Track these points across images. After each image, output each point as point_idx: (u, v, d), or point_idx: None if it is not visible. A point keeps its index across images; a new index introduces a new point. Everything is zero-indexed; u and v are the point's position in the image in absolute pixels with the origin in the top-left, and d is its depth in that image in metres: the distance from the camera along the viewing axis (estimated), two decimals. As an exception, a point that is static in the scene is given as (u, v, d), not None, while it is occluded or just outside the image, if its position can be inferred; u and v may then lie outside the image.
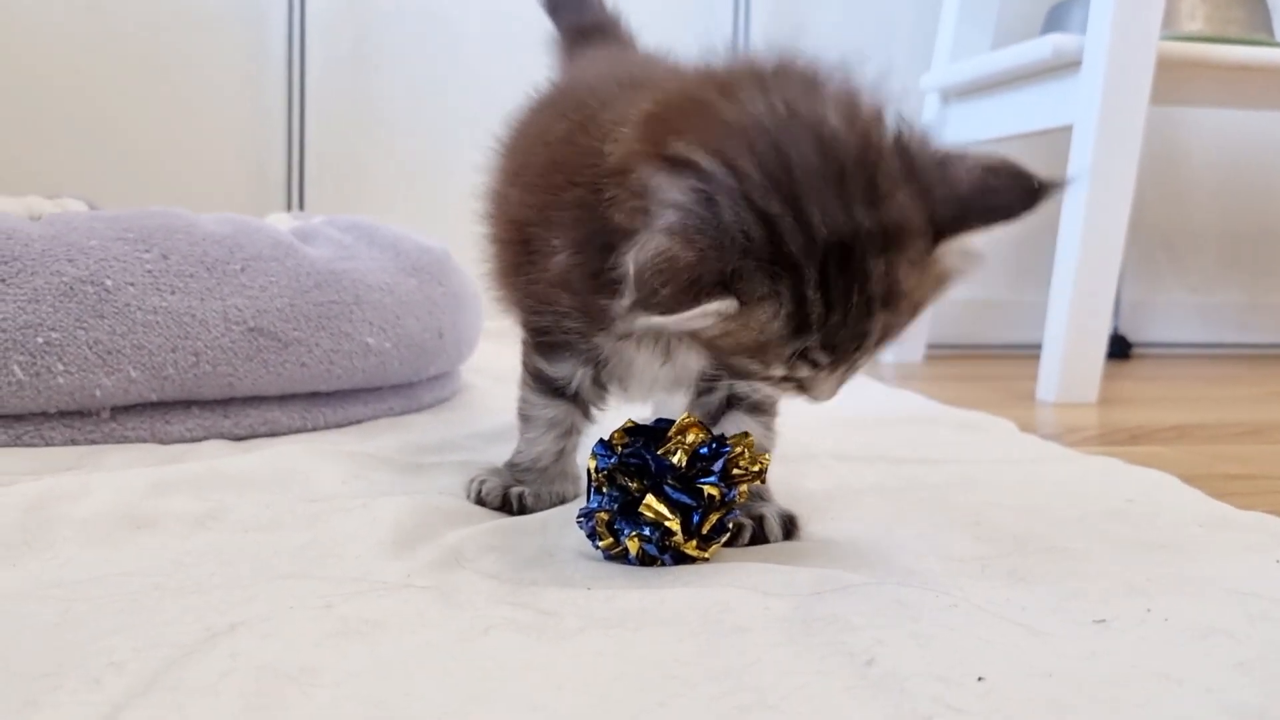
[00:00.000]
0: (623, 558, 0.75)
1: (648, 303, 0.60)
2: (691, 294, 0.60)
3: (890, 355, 2.38)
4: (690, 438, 0.76)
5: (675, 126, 0.66)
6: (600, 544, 0.75)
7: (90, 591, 0.66)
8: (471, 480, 0.91)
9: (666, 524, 0.73)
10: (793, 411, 1.38)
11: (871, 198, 0.63)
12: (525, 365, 0.89)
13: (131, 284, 1.09)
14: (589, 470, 0.77)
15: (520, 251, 0.82)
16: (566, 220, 0.75)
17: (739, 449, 0.76)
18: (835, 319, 0.64)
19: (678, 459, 0.75)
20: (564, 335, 0.83)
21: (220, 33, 2.39)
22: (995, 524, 0.86)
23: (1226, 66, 1.94)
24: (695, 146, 0.64)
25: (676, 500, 0.74)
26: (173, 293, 1.11)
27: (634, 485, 0.75)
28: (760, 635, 0.61)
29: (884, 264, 0.63)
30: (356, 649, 0.58)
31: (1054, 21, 2.23)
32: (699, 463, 0.75)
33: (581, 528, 0.76)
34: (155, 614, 0.62)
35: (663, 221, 0.62)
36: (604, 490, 0.75)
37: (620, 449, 0.76)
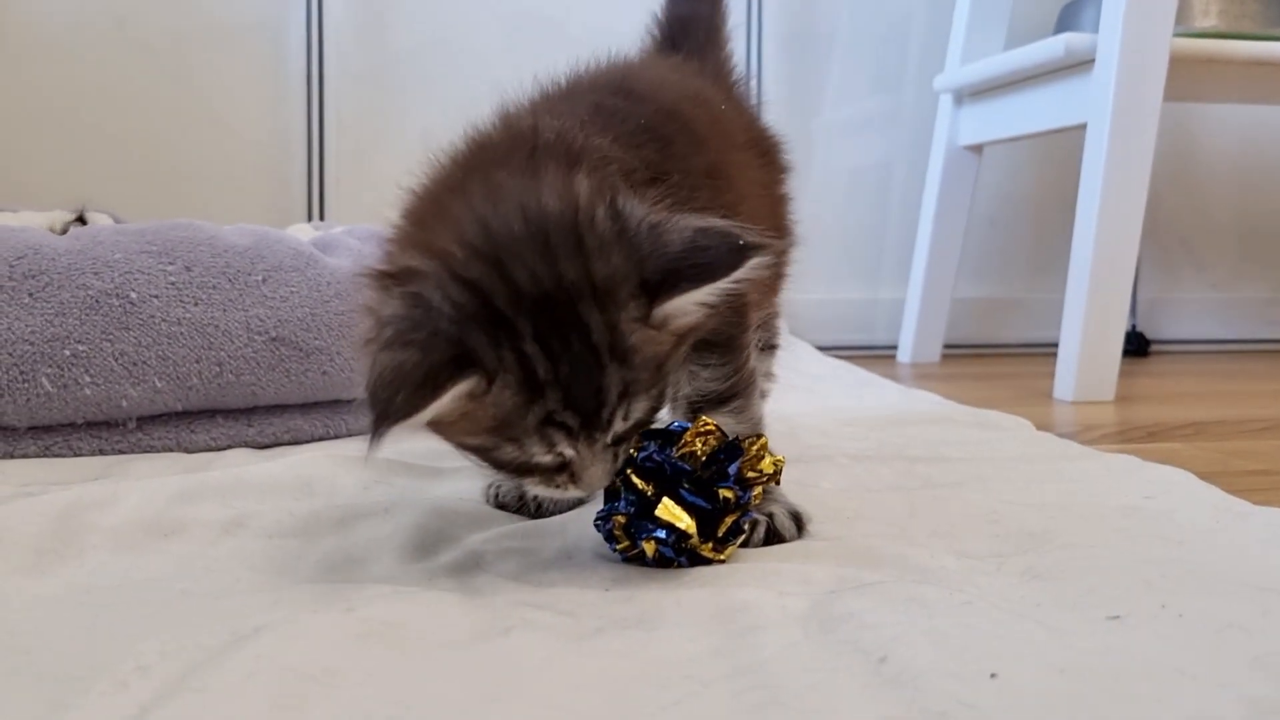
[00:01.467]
0: (640, 559, 0.76)
1: (388, 414, 0.61)
2: (430, 387, 0.61)
3: (907, 355, 2.38)
4: (705, 441, 0.77)
5: (401, 238, 0.70)
6: (617, 546, 0.76)
7: (118, 597, 0.67)
8: (489, 485, 0.92)
9: (682, 527, 0.74)
10: (809, 413, 1.39)
11: (578, 257, 0.64)
12: None
13: (156, 296, 1.11)
14: None
15: None
16: None
17: (754, 451, 0.77)
18: (564, 370, 0.64)
19: (694, 463, 0.76)
20: None
21: (241, 47, 2.42)
22: (1010, 522, 0.86)
23: (1242, 62, 1.94)
24: (410, 252, 0.66)
25: (692, 504, 0.74)
26: (196, 304, 1.13)
27: (649, 489, 0.75)
28: (776, 634, 0.62)
29: (600, 316, 0.65)
30: (378, 650, 0.59)
31: (1066, 21, 2.23)
32: (714, 465, 0.76)
33: (599, 530, 0.77)
34: (182, 618, 0.64)
35: (380, 341, 0.63)
36: (621, 494, 0.76)
37: (636, 452, 0.77)
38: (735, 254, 0.66)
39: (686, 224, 0.67)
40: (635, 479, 0.76)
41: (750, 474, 0.76)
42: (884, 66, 2.62)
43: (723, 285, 0.66)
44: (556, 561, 0.77)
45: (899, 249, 2.56)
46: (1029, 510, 0.90)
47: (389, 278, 0.66)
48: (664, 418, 0.81)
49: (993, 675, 0.55)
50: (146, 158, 2.39)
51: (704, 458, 0.76)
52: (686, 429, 0.78)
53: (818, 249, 2.58)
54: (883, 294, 2.60)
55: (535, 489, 0.72)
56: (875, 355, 2.46)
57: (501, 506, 0.89)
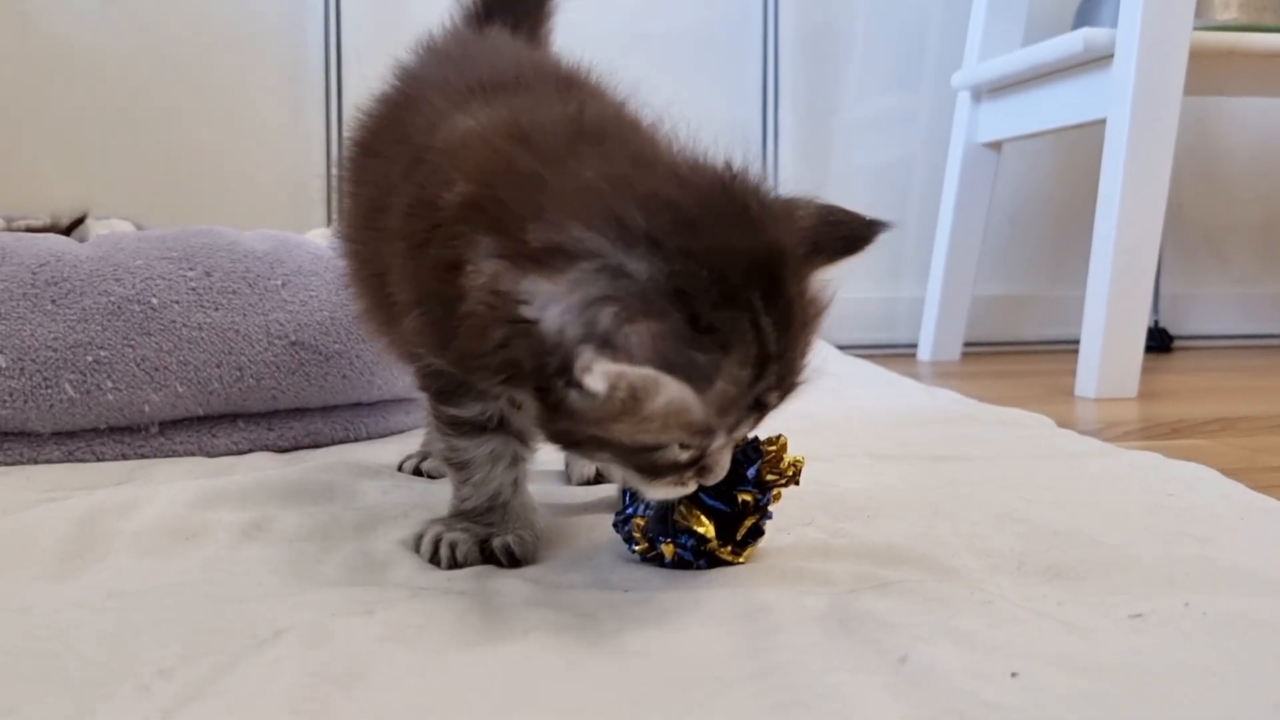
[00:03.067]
0: (659, 561, 0.75)
1: (695, 376, 0.56)
2: (706, 351, 0.57)
3: (927, 354, 2.37)
4: None
5: (514, 211, 0.62)
6: (636, 548, 0.76)
7: (141, 601, 0.68)
8: (426, 538, 0.78)
9: (701, 531, 0.74)
10: (829, 412, 1.39)
11: (763, 226, 0.61)
12: (435, 415, 0.79)
13: (176, 302, 1.12)
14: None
15: (379, 294, 0.76)
16: (407, 274, 0.70)
17: (773, 453, 0.77)
18: (784, 346, 0.61)
19: None
20: (454, 378, 0.75)
21: (260, 52, 2.43)
22: (1033, 520, 0.86)
23: (1263, 55, 1.92)
24: (561, 228, 0.59)
25: (711, 507, 0.74)
26: (216, 309, 1.13)
27: None
28: (796, 634, 0.62)
29: (798, 286, 0.62)
30: (399, 653, 0.59)
31: (1085, 16, 2.22)
32: (734, 468, 0.75)
33: (618, 531, 0.77)
34: (204, 622, 0.64)
35: (604, 318, 0.57)
36: (639, 496, 0.76)
37: None
38: (866, 227, 0.66)
39: (809, 200, 0.66)
40: None
41: (770, 476, 0.76)
42: (901, 64, 2.61)
43: (856, 259, 0.66)
44: (576, 563, 0.77)
45: (919, 247, 2.55)
46: (1051, 508, 0.90)
47: (535, 258, 0.59)
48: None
49: (1014, 674, 0.55)
50: (167, 164, 2.40)
51: None
52: None
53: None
54: (903, 292, 2.59)
55: (656, 492, 0.67)
56: (895, 354, 2.45)
57: (456, 565, 0.76)
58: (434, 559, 0.76)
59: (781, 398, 0.64)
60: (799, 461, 0.78)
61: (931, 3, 2.61)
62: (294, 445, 1.19)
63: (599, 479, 1.01)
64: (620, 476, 0.69)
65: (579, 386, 0.58)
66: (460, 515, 0.79)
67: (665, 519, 0.75)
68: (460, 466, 0.79)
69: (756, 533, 0.76)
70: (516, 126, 0.68)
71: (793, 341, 0.62)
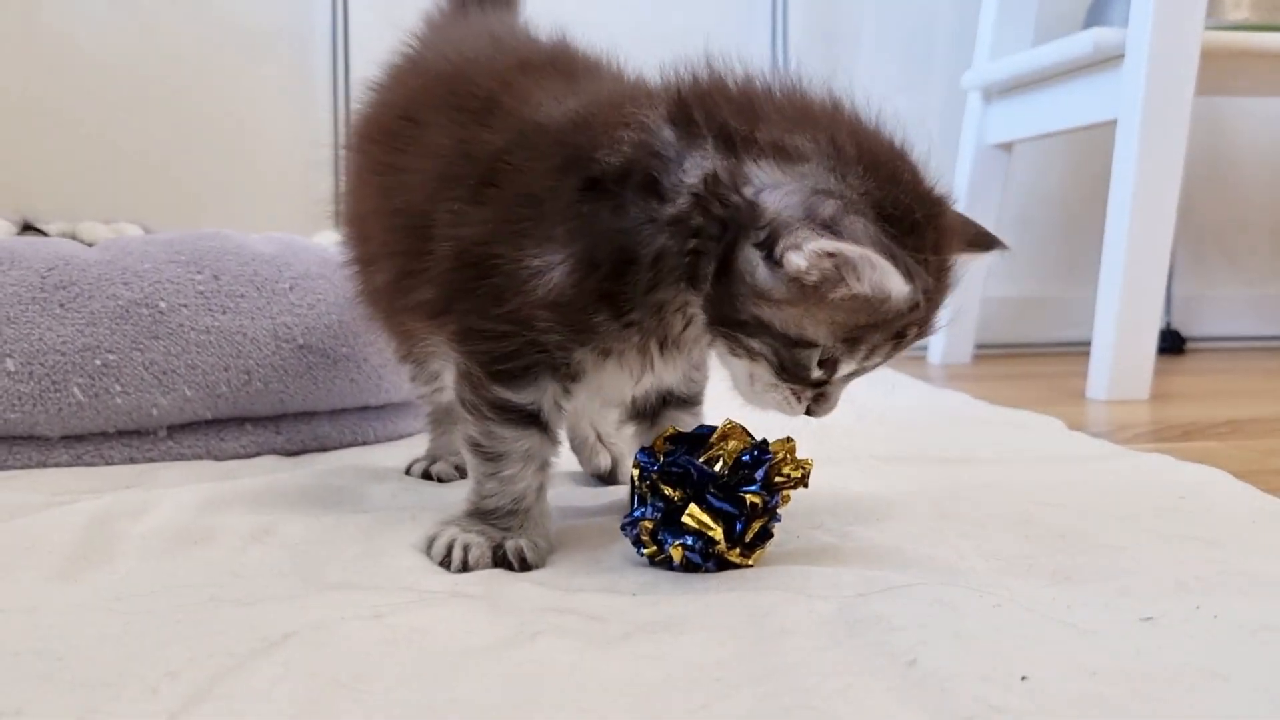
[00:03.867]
0: (667, 564, 0.75)
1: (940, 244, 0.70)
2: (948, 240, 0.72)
3: (938, 356, 2.36)
4: (732, 445, 0.76)
5: (739, 116, 0.72)
6: (645, 551, 0.76)
7: (148, 604, 0.68)
8: (440, 540, 0.77)
9: (709, 533, 0.73)
10: (839, 414, 1.38)
11: (935, 193, 0.73)
12: (480, 397, 0.78)
13: (184, 305, 1.12)
14: (632, 479, 0.78)
15: (469, 276, 0.76)
16: (560, 233, 0.73)
17: (781, 455, 0.76)
18: (936, 294, 0.72)
19: (720, 467, 0.75)
20: (536, 356, 0.76)
21: (267, 54, 2.43)
22: (1042, 523, 0.85)
23: (1275, 55, 1.91)
24: (789, 133, 0.71)
25: (719, 509, 0.74)
26: (224, 312, 1.14)
27: (675, 494, 0.75)
28: (804, 638, 0.61)
29: (952, 252, 0.73)
30: (406, 656, 0.59)
31: (1095, 15, 2.21)
32: (741, 470, 0.75)
33: (626, 535, 0.77)
34: (211, 625, 0.64)
35: (825, 210, 0.67)
36: (648, 499, 0.76)
37: (663, 457, 0.77)
38: (994, 238, 0.80)
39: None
40: (662, 485, 0.75)
41: (778, 479, 0.76)
42: (911, 65, 2.61)
43: (989, 257, 0.81)
44: (584, 567, 0.77)
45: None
46: (1060, 511, 0.89)
47: (765, 151, 0.70)
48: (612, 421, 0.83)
49: (1023, 678, 0.55)
50: (175, 165, 2.41)
51: (731, 462, 0.76)
52: (712, 431, 0.78)
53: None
54: (912, 294, 2.58)
55: (771, 398, 0.74)
56: (906, 356, 2.44)
57: (466, 569, 0.75)
58: (444, 561, 0.76)
59: (918, 336, 0.74)
60: (807, 464, 0.78)
61: (940, 2, 2.60)
62: (302, 449, 1.19)
63: (613, 476, 1.01)
64: (740, 377, 0.75)
65: (777, 262, 0.67)
66: (478, 515, 0.79)
67: (673, 521, 0.74)
68: (492, 458, 0.78)
69: (765, 535, 0.76)
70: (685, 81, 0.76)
71: (941, 291, 0.73)
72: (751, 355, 0.72)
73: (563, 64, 0.86)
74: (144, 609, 0.67)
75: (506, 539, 0.77)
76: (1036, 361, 2.41)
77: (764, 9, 2.54)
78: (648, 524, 0.75)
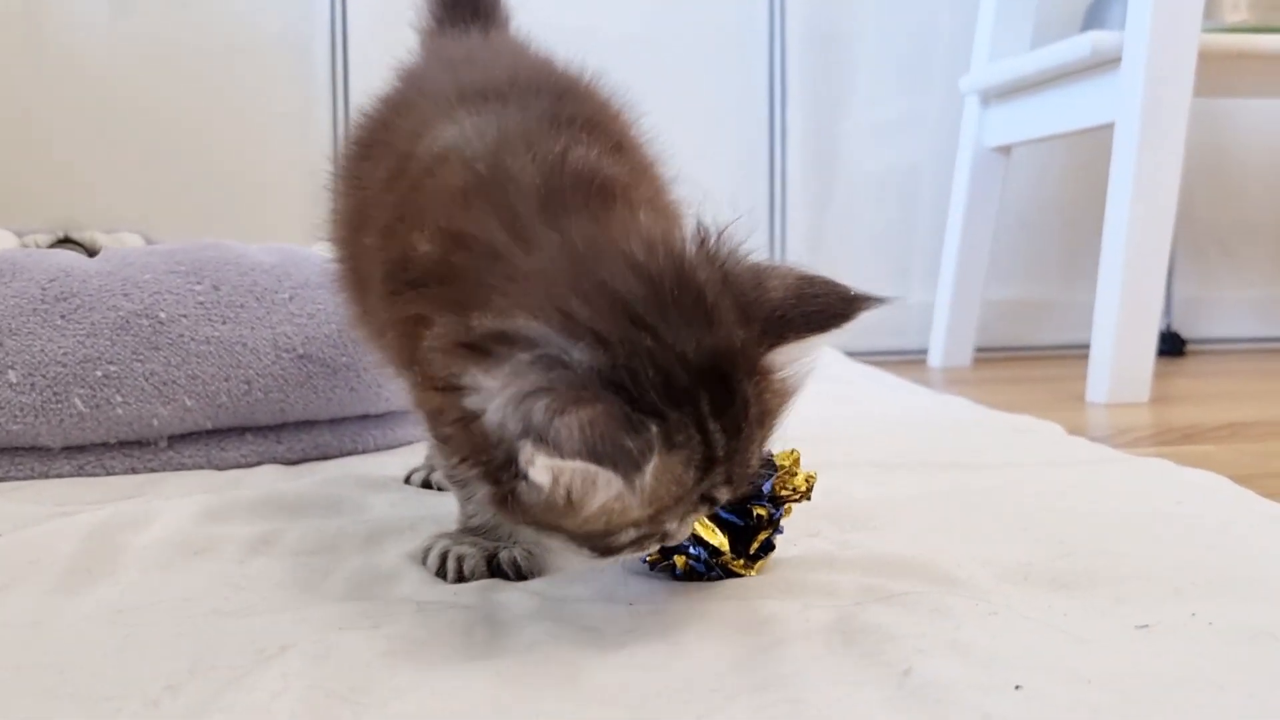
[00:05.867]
0: (670, 572, 0.75)
1: (621, 463, 0.54)
2: (644, 435, 0.56)
3: (938, 360, 2.37)
4: None
5: (468, 292, 0.61)
6: (647, 558, 0.76)
7: (149, 616, 0.68)
8: (433, 551, 0.77)
9: (715, 544, 0.74)
10: (838, 420, 1.39)
11: (713, 320, 0.59)
12: (433, 436, 0.73)
13: (184, 315, 1.12)
14: None
15: (362, 299, 0.77)
16: (383, 302, 0.71)
17: (785, 467, 0.77)
18: (733, 445, 0.60)
19: None
20: None
21: (266, 61, 2.44)
22: (1040, 529, 0.85)
23: (1273, 56, 1.91)
24: (505, 316, 0.59)
25: (726, 520, 0.74)
26: (224, 323, 1.14)
27: None
28: (800, 647, 0.62)
29: (750, 384, 0.60)
30: (404, 667, 0.59)
31: (1093, 18, 2.22)
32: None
33: None
34: (211, 637, 0.64)
35: (538, 407, 0.55)
36: None
37: None
38: (846, 303, 0.63)
39: (788, 270, 0.64)
40: None
41: (783, 491, 0.76)
42: (909, 68, 2.61)
43: (830, 336, 0.63)
44: (579, 576, 0.77)
45: (928, 252, 2.55)
46: (1059, 516, 0.90)
47: (475, 347, 0.59)
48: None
49: (1017, 687, 0.55)
50: (177, 175, 2.41)
51: None
52: None
53: (846, 252, 2.57)
54: (912, 297, 2.59)
55: (614, 562, 0.66)
56: (906, 360, 2.45)
57: (462, 579, 0.75)
58: (440, 572, 0.76)
59: (733, 492, 0.63)
60: (812, 477, 0.78)
61: (939, 6, 2.60)
62: (302, 458, 1.19)
63: None
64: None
65: (526, 479, 0.57)
66: (467, 530, 0.79)
67: None
68: (464, 484, 0.77)
69: (768, 547, 0.76)
70: (493, 170, 0.67)
71: (745, 442, 0.61)
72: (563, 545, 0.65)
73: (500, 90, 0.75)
74: (146, 621, 0.67)
75: (500, 549, 0.77)
76: (1036, 365, 2.41)
77: (762, 14, 2.55)
78: None
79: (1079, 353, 2.12)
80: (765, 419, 0.62)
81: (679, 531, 0.65)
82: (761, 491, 0.75)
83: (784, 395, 0.63)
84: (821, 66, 2.58)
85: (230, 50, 2.43)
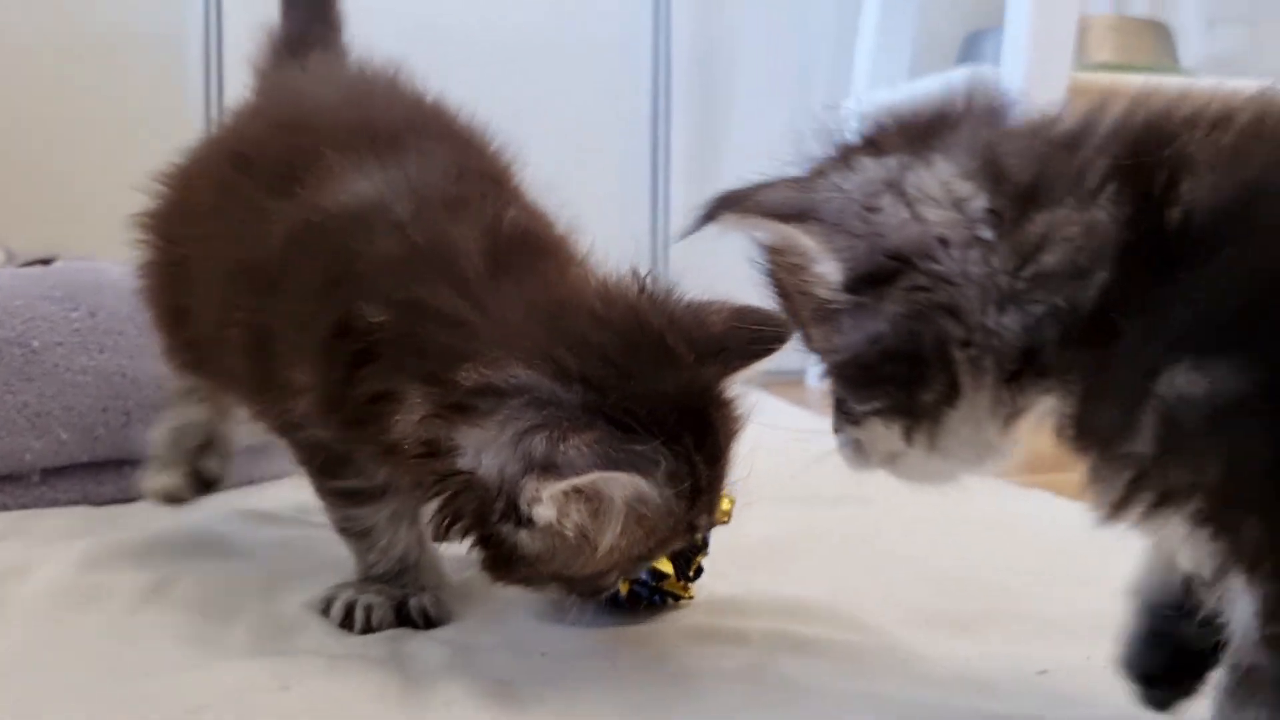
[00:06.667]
0: (609, 602, 0.75)
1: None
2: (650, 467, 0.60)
3: (814, 379, 2.40)
4: None
5: (443, 357, 0.63)
6: None
7: (42, 677, 0.65)
8: (338, 602, 0.75)
9: (661, 569, 0.75)
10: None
11: (680, 362, 0.64)
12: (323, 486, 0.77)
13: (59, 344, 1.07)
14: None
15: (256, 357, 0.73)
16: (315, 367, 0.69)
17: None
18: (714, 478, 0.65)
19: None
20: (339, 453, 0.73)
21: (135, 61, 2.34)
22: (936, 567, 0.88)
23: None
24: (496, 368, 0.61)
25: None
26: (101, 351, 1.09)
27: None
28: (716, 699, 0.62)
29: (721, 416, 0.65)
30: (315, 735, 0.58)
31: (970, 49, 2.29)
32: None
33: None
34: (113, 699, 0.61)
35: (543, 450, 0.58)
36: None
37: None
38: (778, 327, 0.65)
39: (720, 304, 0.68)
40: None
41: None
42: (791, 91, 2.65)
43: (769, 361, 0.67)
44: (488, 624, 0.76)
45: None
46: (953, 554, 0.92)
47: (462, 406, 0.61)
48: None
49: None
50: (33, 181, 2.30)
51: None
52: None
53: (726, 268, 2.60)
54: (792, 316, 2.63)
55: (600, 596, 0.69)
56: (783, 381, 2.48)
57: (370, 630, 0.73)
58: (346, 623, 0.74)
59: (709, 521, 0.68)
60: (732, 501, 0.79)
61: (822, 31, 2.65)
62: (185, 490, 1.14)
63: None
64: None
65: (529, 524, 0.60)
66: (371, 579, 0.77)
67: None
68: (362, 535, 0.76)
69: (699, 570, 0.78)
70: (433, 238, 0.67)
71: (720, 469, 0.65)
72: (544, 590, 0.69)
73: (388, 127, 0.76)
74: (38, 683, 0.64)
75: (409, 597, 0.75)
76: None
77: (645, 30, 2.56)
78: None
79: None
80: (731, 448, 0.66)
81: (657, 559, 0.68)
82: None
83: (741, 422, 0.67)
84: (705, 85, 2.61)
85: (95, 43, 2.33)
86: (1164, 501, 0.47)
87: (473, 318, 0.64)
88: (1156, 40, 2.24)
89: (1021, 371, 0.50)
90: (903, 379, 0.51)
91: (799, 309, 0.55)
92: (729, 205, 0.55)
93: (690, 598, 0.78)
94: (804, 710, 0.60)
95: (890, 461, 0.57)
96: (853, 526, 1.02)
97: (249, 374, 0.76)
